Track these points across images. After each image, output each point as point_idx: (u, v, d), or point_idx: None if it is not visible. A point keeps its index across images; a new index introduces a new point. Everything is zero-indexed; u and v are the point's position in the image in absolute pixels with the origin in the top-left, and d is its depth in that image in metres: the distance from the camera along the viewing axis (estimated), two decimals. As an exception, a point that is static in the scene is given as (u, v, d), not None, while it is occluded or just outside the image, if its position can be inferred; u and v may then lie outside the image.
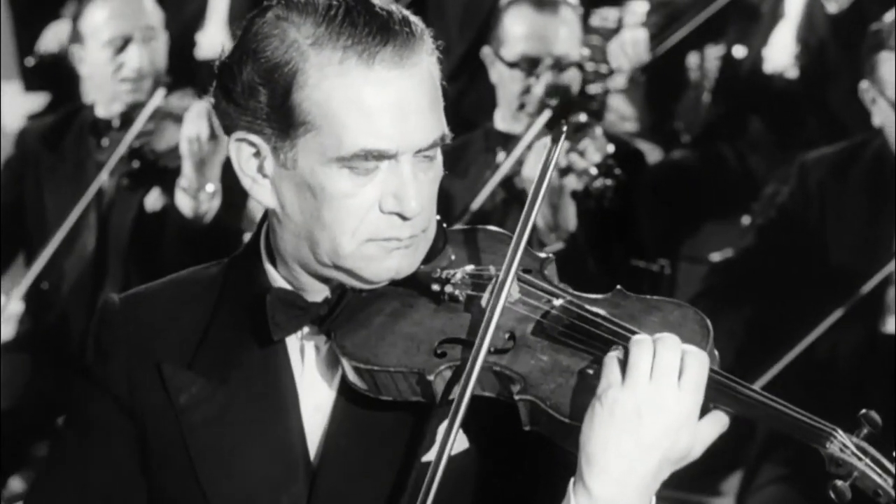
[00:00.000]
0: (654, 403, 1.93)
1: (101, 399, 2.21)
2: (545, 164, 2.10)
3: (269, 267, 2.18)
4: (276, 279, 2.17)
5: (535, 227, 4.07)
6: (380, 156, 2.04)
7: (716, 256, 5.83)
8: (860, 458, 1.93)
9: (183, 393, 2.16)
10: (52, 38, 6.15)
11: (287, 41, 2.04)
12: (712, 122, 5.98)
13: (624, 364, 1.96)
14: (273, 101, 2.05)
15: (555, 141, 2.13)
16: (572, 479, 1.98)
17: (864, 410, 1.98)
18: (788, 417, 1.98)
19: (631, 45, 5.73)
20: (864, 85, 4.25)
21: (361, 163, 2.03)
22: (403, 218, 2.06)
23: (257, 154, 2.10)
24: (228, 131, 2.12)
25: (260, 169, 2.11)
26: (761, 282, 4.40)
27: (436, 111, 2.09)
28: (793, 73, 5.77)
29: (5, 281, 5.00)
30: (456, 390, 2.04)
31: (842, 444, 1.94)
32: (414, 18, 2.08)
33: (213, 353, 2.17)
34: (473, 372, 2.00)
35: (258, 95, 2.06)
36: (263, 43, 2.06)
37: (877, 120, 4.27)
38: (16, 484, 4.83)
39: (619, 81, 5.90)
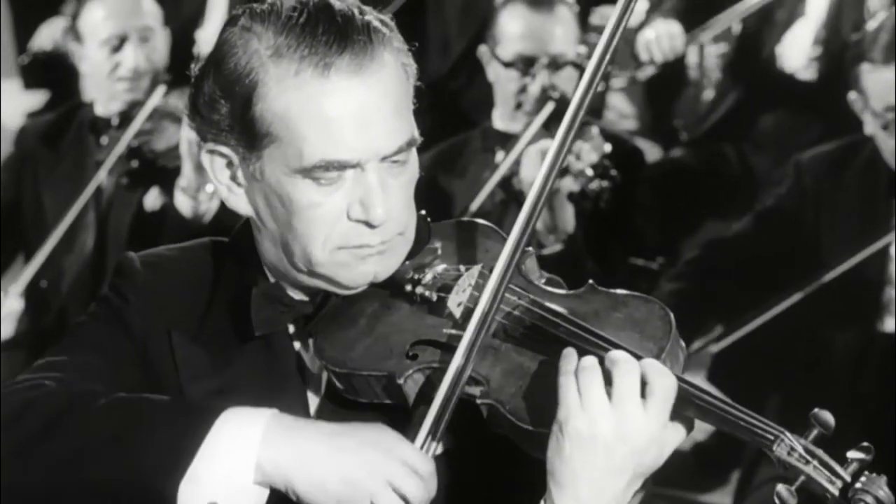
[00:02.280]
0: (619, 431, 1.92)
1: (119, 322, 2.18)
2: (614, 31, 2.11)
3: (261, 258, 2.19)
4: (268, 273, 2.18)
5: (533, 229, 4.06)
6: (341, 166, 2.03)
7: (715, 254, 5.82)
8: (807, 462, 1.90)
9: (188, 365, 2.16)
10: (47, 36, 6.13)
11: (249, 52, 2.04)
12: (715, 119, 5.94)
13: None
14: (234, 112, 2.06)
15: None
16: (542, 501, 1.97)
17: (815, 410, 1.94)
18: (733, 419, 1.94)
19: (667, 38, 5.61)
20: (852, 96, 4.24)
21: (324, 173, 2.03)
22: (371, 226, 2.05)
23: (230, 164, 2.12)
24: (203, 141, 2.14)
25: (233, 178, 2.12)
26: (741, 258, 4.38)
27: (401, 116, 2.07)
28: (807, 74, 5.70)
29: (5, 279, 5.00)
30: (428, 393, 2.04)
31: (789, 447, 1.91)
32: (376, 22, 2.06)
33: (215, 331, 2.17)
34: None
35: (220, 108, 2.07)
36: (228, 54, 2.07)
37: (868, 129, 4.25)
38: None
39: (648, 72, 5.84)
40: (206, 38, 6.24)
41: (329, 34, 2.01)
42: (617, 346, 1.98)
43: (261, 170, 2.07)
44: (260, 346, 2.16)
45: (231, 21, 2.10)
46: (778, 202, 4.39)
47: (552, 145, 2.09)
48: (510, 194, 4.29)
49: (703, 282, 4.38)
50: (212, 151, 2.12)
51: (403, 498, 1.94)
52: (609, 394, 1.93)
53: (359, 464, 1.94)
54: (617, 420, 1.92)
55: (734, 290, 4.45)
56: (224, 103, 2.06)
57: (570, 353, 1.97)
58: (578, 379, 1.94)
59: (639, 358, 1.96)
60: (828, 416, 1.93)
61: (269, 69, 2.02)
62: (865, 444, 1.92)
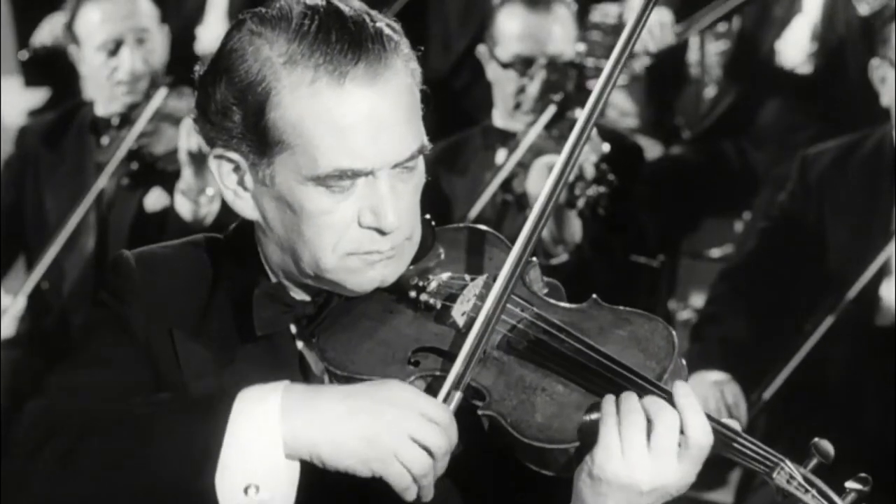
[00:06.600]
0: (655, 481, 1.96)
1: (121, 328, 2.18)
2: (635, 25, 2.12)
3: (262, 258, 2.20)
4: (269, 272, 2.19)
5: (540, 240, 4.05)
6: (354, 174, 2.04)
7: (716, 252, 5.83)
8: (806, 490, 1.94)
9: (190, 363, 2.16)
10: (48, 31, 6.12)
11: (260, 59, 2.04)
12: (716, 116, 5.93)
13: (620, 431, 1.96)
14: (247, 120, 2.06)
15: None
16: None
17: (815, 439, 1.97)
18: (739, 447, 1.98)
19: (658, 27, 5.61)
20: (875, 62, 4.19)
21: (337, 181, 2.04)
22: (382, 233, 2.06)
23: (237, 169, 2.12)
24: (210, 146, 2.13)
25: (241, 183, 2.12)
26: (766, 282, 4.35)
27: (412, 123, 2.08)
28: (805, 69, 5.70)
29: (6, 280, 5.00)
30: None
31: (789, 475, 1.95)
32: (387, 29, 2.06)
33: (216, 330, 2.18)
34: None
35: (232, 115, 2.07)
36: (238, 61, 2.06)
37: (885, 100, 4.18)
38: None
39: (643, 62, 5.83)
40: (206, 35, 6.23)
41: (343, 42, 2.02)
42: (621, 367, 2.01)
43: (271, 176, 2.07)
44: (262, 346, 2.16)
45: (237, 26, 2.10)
46: (782, 202, 4.37)
47: (559, 159, 2.10)
48: (511, 197, 4.28)
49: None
50: (220, 157, 2.12)
51: (426, 449, 1.95)
52: (648, 439, 1.96)
53: (378, 421, 1.94)
54: (655, 471, 1.96)
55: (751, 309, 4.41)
56: (237, 111, 2.06)
57: (610, 399, 1.99)
58: (621, 424, 1.96)
59: (654, 385, 1.99)
60: (828, 446, 1.97)
61: (283, 77, 2.03)
62: (863, 475, 1.95)
